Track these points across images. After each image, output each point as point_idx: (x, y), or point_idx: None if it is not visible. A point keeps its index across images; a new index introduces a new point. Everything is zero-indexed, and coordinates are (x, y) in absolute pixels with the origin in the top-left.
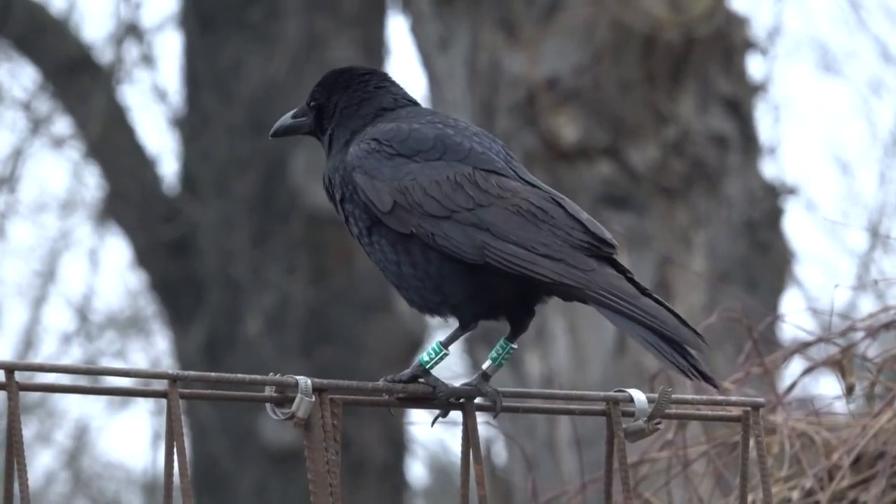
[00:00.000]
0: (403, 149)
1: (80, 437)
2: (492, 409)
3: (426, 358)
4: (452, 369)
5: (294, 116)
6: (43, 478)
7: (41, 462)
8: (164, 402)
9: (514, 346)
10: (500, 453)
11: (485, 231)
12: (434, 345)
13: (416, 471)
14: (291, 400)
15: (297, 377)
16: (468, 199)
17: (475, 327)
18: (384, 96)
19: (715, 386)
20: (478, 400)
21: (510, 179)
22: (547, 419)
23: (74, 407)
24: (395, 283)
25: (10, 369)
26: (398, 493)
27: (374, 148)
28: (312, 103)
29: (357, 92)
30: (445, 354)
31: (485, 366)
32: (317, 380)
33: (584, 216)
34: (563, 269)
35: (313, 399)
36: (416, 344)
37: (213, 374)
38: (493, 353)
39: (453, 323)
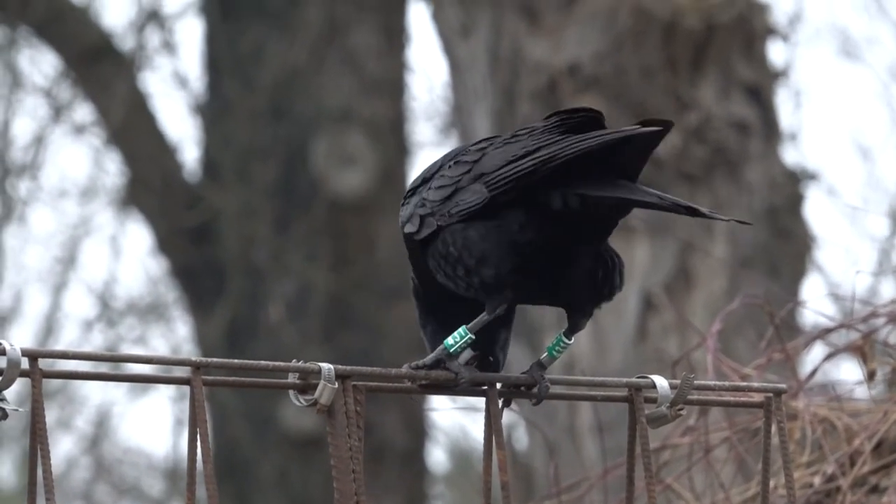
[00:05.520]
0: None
1: (101, 423)
2: (526, 396)
3: (451, 342)
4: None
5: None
6: (64, 463)
7: (62, 448)
8: (185, 388)
9: (570, 341)
10: (520, 439)
11: (480, 175)
12: (460, 329)
13: (437, 456)
14: (314, 387)
15: (321, 364)
16: (466, 165)
17: (501, 312)
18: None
19: (704, 216)
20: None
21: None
22: (568, 405)
23: (95, 393)
24: (467, 293)
25: (34, 356)
26: (419, 479)
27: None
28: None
29: None
30: (471, 339)
31: (543, 357)
32: (340, 366)
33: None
34: (544, 152)
35: (336, 386)
36: None
37: (236, 360)
38: (551, 345)
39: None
